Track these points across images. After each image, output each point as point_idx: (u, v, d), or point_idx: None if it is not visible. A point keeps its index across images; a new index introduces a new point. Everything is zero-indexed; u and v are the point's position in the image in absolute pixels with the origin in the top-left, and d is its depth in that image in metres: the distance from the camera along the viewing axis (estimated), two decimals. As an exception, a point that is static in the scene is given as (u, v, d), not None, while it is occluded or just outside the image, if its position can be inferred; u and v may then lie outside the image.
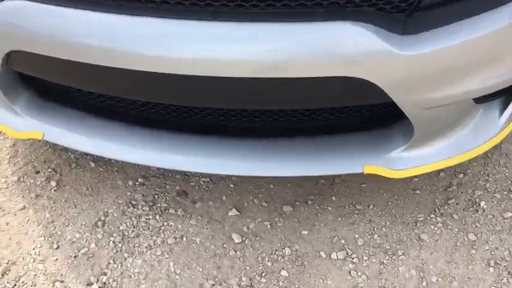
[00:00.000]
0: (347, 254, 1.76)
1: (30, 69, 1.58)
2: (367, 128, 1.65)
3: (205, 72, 1.31)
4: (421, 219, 1.87)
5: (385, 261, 1.74)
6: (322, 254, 1.76)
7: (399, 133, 1.61)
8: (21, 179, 2.01)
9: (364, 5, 1.27)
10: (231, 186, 1.99)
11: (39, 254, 1.75)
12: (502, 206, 1.91)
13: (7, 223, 1.85)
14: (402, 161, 1.61)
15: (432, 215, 1.88)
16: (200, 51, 1.30)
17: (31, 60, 1.51)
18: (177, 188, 1.98)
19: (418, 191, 1.97)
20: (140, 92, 1.50)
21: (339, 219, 1.87)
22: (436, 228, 1.84)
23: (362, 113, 1.64)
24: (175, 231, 1.83)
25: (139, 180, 2.01)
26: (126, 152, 1.62)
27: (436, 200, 1.94)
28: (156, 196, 1.95)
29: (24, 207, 1.90)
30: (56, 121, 1.73)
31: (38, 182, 2.00)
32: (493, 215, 1.88)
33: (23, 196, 1.95)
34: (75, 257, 1.74)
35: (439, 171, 2.03)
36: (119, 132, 1.66)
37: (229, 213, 1.89)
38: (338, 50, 1.29)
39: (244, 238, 1.81)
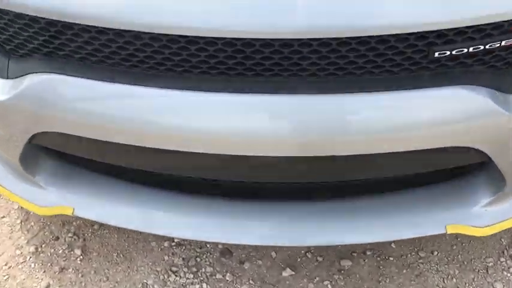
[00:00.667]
0: (421, 313, 1.60)
1: (60, 147, 1.33)
2: (444, 181, 1.48)
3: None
4: (490, 264, 1.72)
5: (463, 319, 1.59)
6: (394, 316, 1.60)
7: (484, 185, 1.43)
8: (39, 249, 1.76)
9: (475, 65, 1.08)
10: (279, 239, 1.79)
11: None
12: None
13: (32, 307, 1.61)
14: (486, 216, 1.44)
15: (502, 259, 1.73)
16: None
17: (62, 140, 1.26)
18: (220, 246, 1.77)
19: (481, 231, 1.82)
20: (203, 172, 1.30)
21: (404, 271, 1.71)
22: (508, 275, 1.69)
23: (443, 168, 1.46)
24: (227, 301, 1.63)
25: (175, 240, 1.79)
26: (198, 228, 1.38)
27: (502, 240, 1.79)
28: (198, 259, 1.73)
29: (48, 286, 1.66)
30: (86, 191, 1.47)
31: (60, 251, 1.75)
32: None
33: (44, 271, 1.70)
34: None
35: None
36: (176, 205, 1.42)
37: (283, 274, 1.70)
38: (449, 120, 1.10)
39: (305, 303, 1.63)
